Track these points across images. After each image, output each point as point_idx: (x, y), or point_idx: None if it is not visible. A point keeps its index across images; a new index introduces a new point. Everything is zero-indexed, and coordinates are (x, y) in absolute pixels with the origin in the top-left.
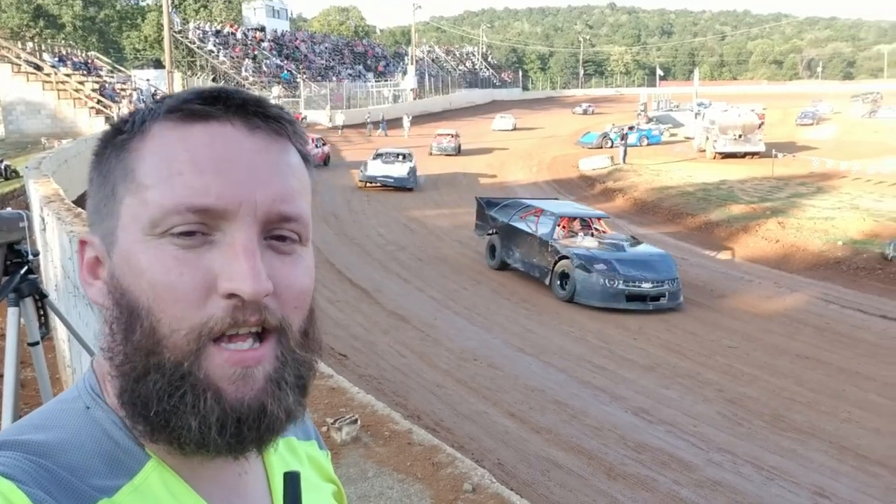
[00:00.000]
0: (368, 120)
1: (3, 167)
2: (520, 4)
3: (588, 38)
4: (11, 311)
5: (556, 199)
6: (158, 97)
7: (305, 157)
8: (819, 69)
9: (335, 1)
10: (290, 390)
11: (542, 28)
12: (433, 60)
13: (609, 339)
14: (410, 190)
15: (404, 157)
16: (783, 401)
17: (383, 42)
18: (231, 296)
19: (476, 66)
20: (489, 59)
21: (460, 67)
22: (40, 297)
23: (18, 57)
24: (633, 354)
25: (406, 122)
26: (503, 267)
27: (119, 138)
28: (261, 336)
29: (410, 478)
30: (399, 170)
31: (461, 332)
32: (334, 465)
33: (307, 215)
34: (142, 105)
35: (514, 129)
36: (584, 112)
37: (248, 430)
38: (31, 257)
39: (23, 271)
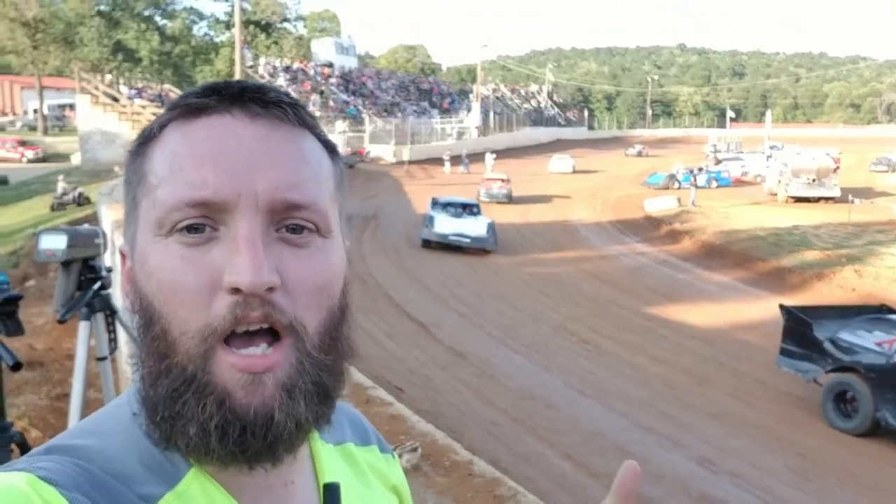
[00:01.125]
0: (448, 157)
1: (76, 194)
2: (587, 44)
3: (656, 78)
4: (83, 326)
5: None
6: None
7: (325, 143)
8: None
9: (402, 39)
10: (305, 399)
11: (610, 68)
12: (498, 98)
13: (673, 384)
14: (488, 252)
15: (472, 208)
16: (859, 458)
17: (449, 80)
18: (234, 290)
19: (541, 105)
20: (554, 97)
21: (525, 106)
22: (111, 313)
23: (97, 89)
24: (697, 401)
25: (490, 159)
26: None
27: (136, 146)
28: (275, 337)
29: None
30: (475, 226)
31: (519, 371)
32: None
33: (322, 203)
34: None
35: (574, 171)
36: (639, 154)
37: (254, 438)
38: (104, 273)
39: (96, 287)
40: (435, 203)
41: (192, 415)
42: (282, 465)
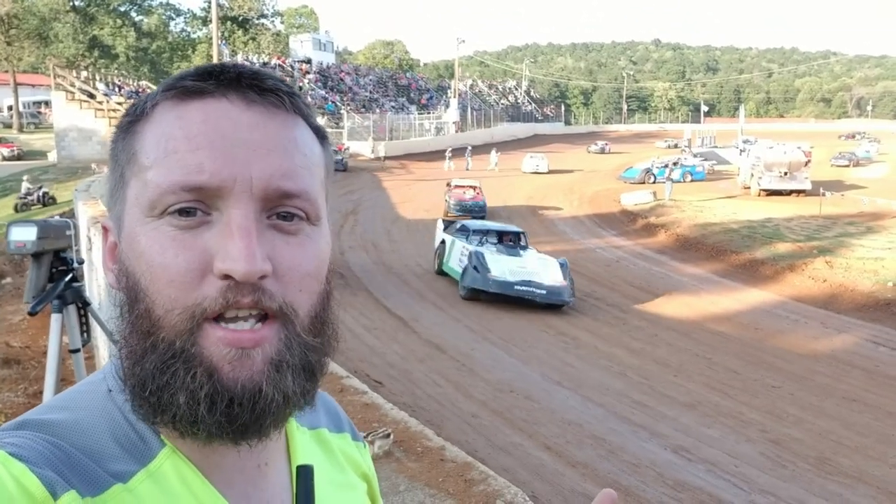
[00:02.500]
0: (450, 152)
1: (41, 193)
2: (563, 40)
3: (632, 73)
4: (55, 318)
5: None
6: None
7: (317, 131)
8: (869, 108)
9: (380, 35)
10: (293, 374)
11: (586, 63)
12: (476, 94)
13: (649, 374)
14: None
15: (518, 238)
16: (829, 444)
17: (427, 75)
18: (225, 276)
19: (518, 100)
20: (532, 93)
21: (503, 101)
22: (83, 305)
23: (73, 85)
24: (673, 391)
25: (494, 155)
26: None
27: (124, 122)
28: (264, 318)
29: (442, 493)
30: (546, 271)
31: (498, 364)
32: None
33: (313, 191)
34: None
35: (549, 171)
36: (602, 151)
37: (242, 410)
38: (75, 265)
39: (67, 278)
40: (464, 231)
41: (181, 384)
42: (258, 446)
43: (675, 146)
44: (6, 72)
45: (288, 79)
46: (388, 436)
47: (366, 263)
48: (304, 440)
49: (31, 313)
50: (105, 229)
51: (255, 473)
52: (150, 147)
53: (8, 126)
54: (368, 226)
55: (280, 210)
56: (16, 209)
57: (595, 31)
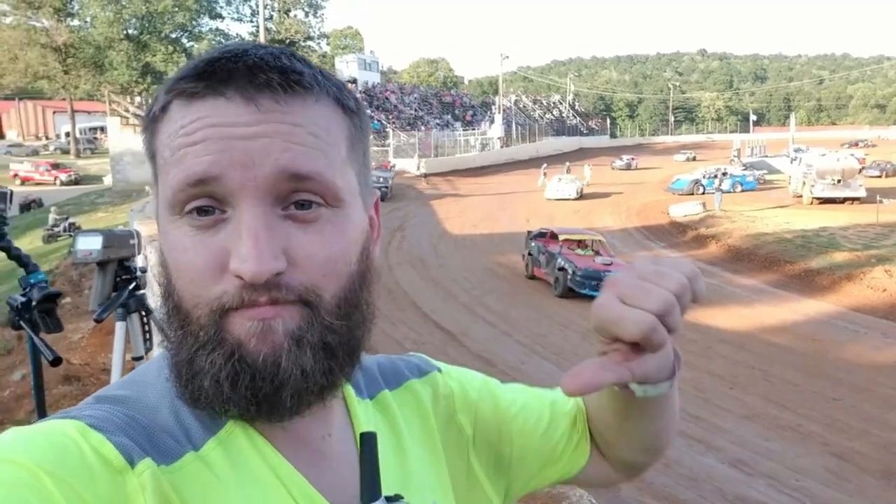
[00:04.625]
0: (546, 169)
1: (67, 224)
2: (607, 53)
3: (678, 84)
4: (119, 326)
5: None
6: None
7: (337, 100)
8: None
9: (424, 53)
10: (312, 350)
11: (631, 76)
12: (520, 109)
13: (703, 387)
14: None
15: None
16: (895, 457)
17: (471, 92)
18: (239, 277)
19: (563, 114)
20: (576, 106)
21: (547, 116)
22: (146, 313)
23: (127, 111)
24: (729, 404)
25: (588, 170)
26: None
27: (148, 119)
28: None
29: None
30: None
31: (549, 377)
32: None
33: (327, 172)
34: None
35: (580, 196)
36: (627, 167)
37: (263, 382)
38: (139, 274)
39: (131, 287)
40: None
41: (205, 370)
42: (314, 418)
43: (693, 158)
44: (64, 99)
45: None
46: None
47: (413, 279)
48: (365, 410)
49: (98, 320)
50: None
51: (320, 444)
52: (162, 147)
53: (66, 152)
54: (415, 242)
55: (295, 199)
56: (44, 240)
57: (639, 42)
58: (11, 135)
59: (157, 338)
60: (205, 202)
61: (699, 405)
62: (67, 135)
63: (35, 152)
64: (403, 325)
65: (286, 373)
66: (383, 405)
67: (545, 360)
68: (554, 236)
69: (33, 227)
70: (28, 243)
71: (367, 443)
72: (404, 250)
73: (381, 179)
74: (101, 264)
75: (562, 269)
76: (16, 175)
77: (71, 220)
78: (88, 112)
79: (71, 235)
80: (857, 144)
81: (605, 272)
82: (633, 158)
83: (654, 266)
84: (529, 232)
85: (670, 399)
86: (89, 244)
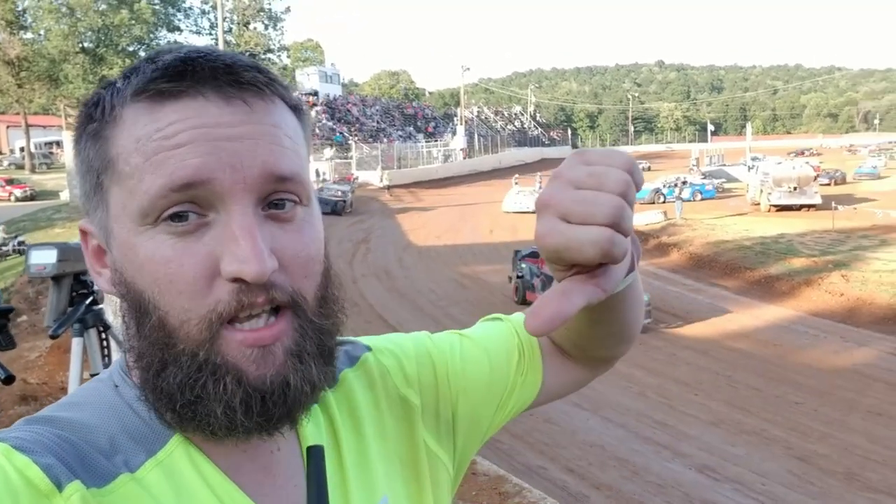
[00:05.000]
0: (517, 179)
1: (16, 243)
2: (567, 64)
3: (637, 95)
4: (76, 342)
5: None
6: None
7: (294, 108)
8: (876, 121)
9: (386, 65)
10: (313, 361)
11: (591, 87)
12: (482, 120)
13: (669, 394)
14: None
15: None
16: (856, 458)
17: (433, 104)
18: (236, 279)
19: (525, 126)
20: (538, 117)
21: (509, 127)
22: (104, 329)
23: None
24: (694, 410)
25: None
26: None
27: (91, 127)
28: (275, 310)
29: None
30: None
31: None
32: None
33: (303, 172)
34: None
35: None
36: None
37: (275, 406)
38: (96, 288)
39: (88, 301)
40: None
41: (214, 396)
42: (288, 433)
43: (648, 169)
44: (17, 113)
45: None
46: None
47: (379, 291)
48: (311, 415)
49: (53, 336)
50: (84, 232)
51: (268, 459)
52: (128, 153)
53: (20, 167)
54: (380, 253)
55: (272, 198)
56: None
57: (599, 54)
58: None
59: (115, 354)
60: (184, 207)
61: (665, 412)
62: (22, 150)
63: None
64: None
65: (297, 391)
66: (325, 405)
67: None
68: None
69: (28, 230)
70: None
71: (314, 458)
72: (369, 262)
73: (340, 193)
74: (56, 279)
75: None
76: None
77: (20, 237)
78: (44, 126)
79: (20, 253)
80: (802, 153)
81: None
82: None
83: (587, 167)
84: (517, 252)
85: (634, 286)
86: (43, 258)
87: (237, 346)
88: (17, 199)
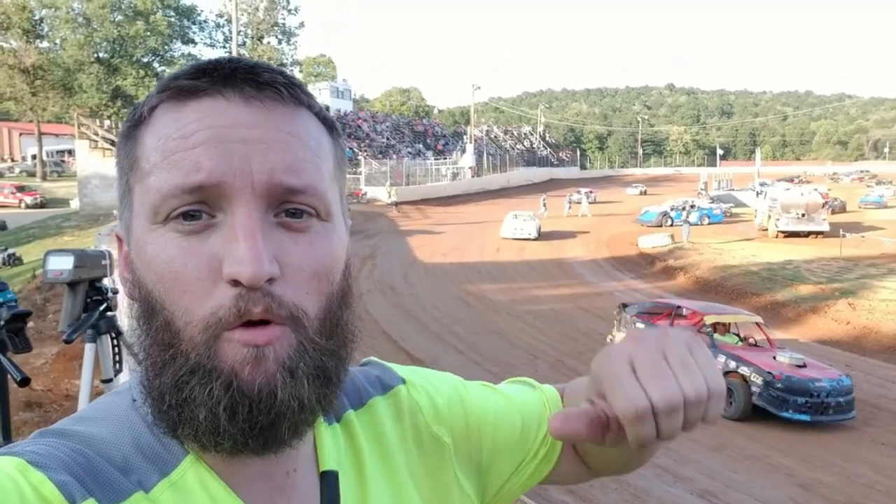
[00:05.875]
0: (545, 200)
1: (7, 255)
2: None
3: (646, 118)
4: (89, 348)
5: None
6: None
7: (325, 121)
8: (886, 150)
9: (397, 82)
10: (308, 380)
11: (601, 108)
12: (491, 139)
13: None
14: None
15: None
16: (859, 487)
17: (443, 121)
18: (235, 282)
19: (534, 145)
20: (547, 138)
21: (518, 146)
22: (117, 335)
23: (96, 134)
24: (697, 434)
25: (585, 200)
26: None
27: (125, 129)
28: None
29: None
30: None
31: None
32: None
33: (321, 185)
34: None
35: (539, 236)
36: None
37: (260, 414)
38: (110, 295)
39: (102, 308)
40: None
41: (200, 400)
42: (284, 453)
43: (644, 192)
44: (31, 121)
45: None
46: None
47: (384, 307)
48: (331, 439)
49: (67, 341)
50: (119, 239)
51: (283, 480)
52: (150, 152)
53: (32, 174)
54: (386, 269)
55: (287, 207)
56: None
57: (609, 76)
58: None
59: (127, 361)
60: (195, 207)
61: None
62: (34, 157)
63: (0, 174)
64: (373, 353)
65: (283, 405)
66: (348, 428)
67: None
68: (679, 314)
69: (38, 237)
70: None
71: (328, 484)
72: (375, 278)
73: None
74: (72, 285)
75: (736, 374)
76: None
77: (11, 250)
78: (56, 135)
79: (11, 265)
80: (791, 180)
81: (815, 383)
82: (590, 191)
83: (687, 347)
84: (625, 306)
85: (651, 450)
86: (60, 264)
87: (235, 345)
88: (28, 206)
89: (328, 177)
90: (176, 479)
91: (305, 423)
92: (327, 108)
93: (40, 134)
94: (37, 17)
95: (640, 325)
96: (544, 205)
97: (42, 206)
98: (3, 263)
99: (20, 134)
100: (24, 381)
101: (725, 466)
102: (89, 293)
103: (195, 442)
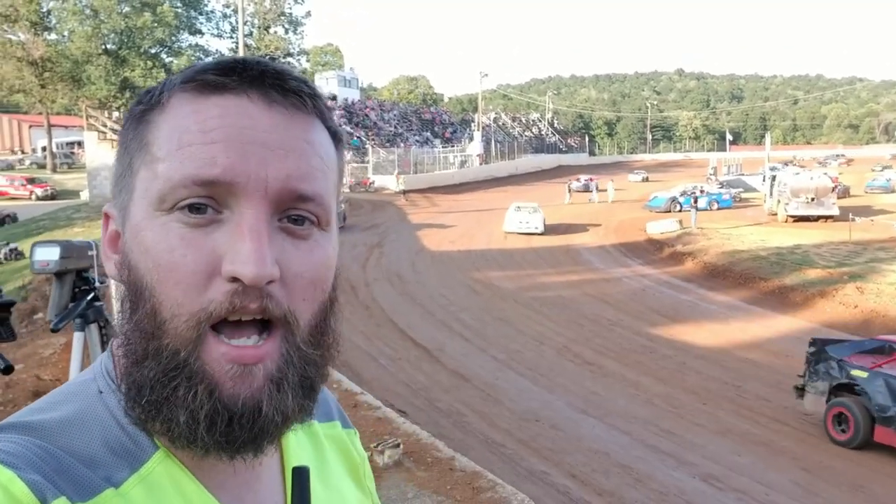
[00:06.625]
0: (572, 182)
1: (8, 250)
2: (586, 72)
3: (656, 103)
4: (77, 337)
5: None
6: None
7: (334, 135)
8: None
9: (404, 70)
10: (292, 391)
11: (609, 94)
12: (500, 126)
13: (677, 402)
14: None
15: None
16: (863, 471)
17: (450, 109)
18: (233, 279)
19: (542, 132)
20: (555, 124)
21: (526, 133)
22: (105, 324)
23: (104, 125)
24: (702, 419)
25: (611, 186)
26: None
27: (137, 109)
28: (266, 327)
29: (449, 500)
30: None
31: (523, 393)
32: (376, 488)
33: (327, 195)
34: None
35: (544, 231)
36: (585, 189)
37: (240, 429)
38: (97, 284)
39: (89, 297)
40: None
41: (182, 402)
42: (253, 459)
43: (646, 179)
44: (40, 114)
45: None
46: (398, 445)
47: (390, 295)
48: (296, 439)
49: (54, 330)
50: (107, 216)
51: (249, 475)
52: (163, 138)
53: (42, 166)
54: (393, 258)
55: (291, 213)
56: None
57: (618, 62)
58: None
59: None
60: (202, 201)
61: (672, 420)
62: (44, 149)
63: (10, 167)
64: (379, 341)
65: (266, 419)
66: (312, 435)
67: (520, 375)
68: None
69: (48, 229)
70: None
71: (299, 478)
72: (382, 266)
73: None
74: (59, 275)
75: None
76: None
77: (13, 245)
78: (66, 126)
79: (14, 260)
80: (786, 164)
81: None
82: (590, 179)
83: None
84: (818, 343)
85: None
86: (46, 255)
87: (218, 358)
88: (38, 198)
89: (332, 187)
90: (146, 474)
91: (284, 433)
92: (334, 98)
93: (50, 126)
94: (44, 10)
95: (857, 372)
96: (569, 191)
97: (52, 197)
98: (5, 258)
99: (30, 126)
100: (8, 370)
101: (730, 451)
102: (77, 283)
103: (167, 439)
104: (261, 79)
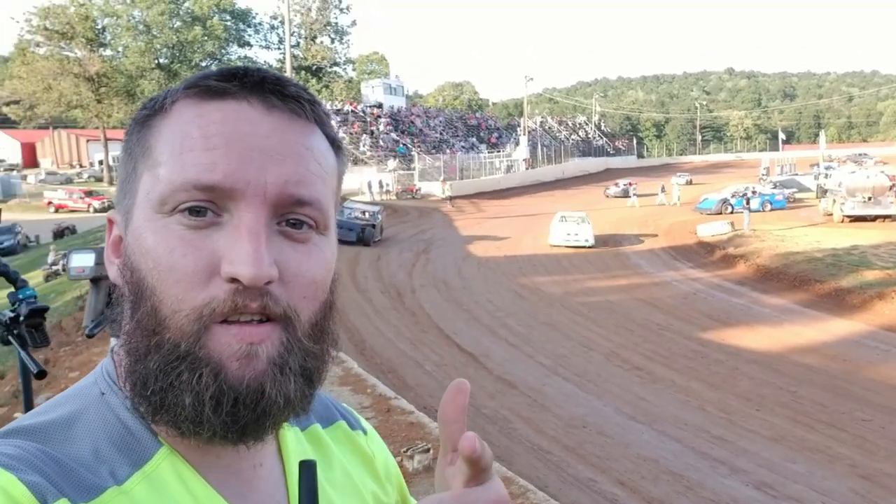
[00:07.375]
0: (664, 185)
1: (66, 261)
2: (634, 73)
3: (705, 103)
4: (113, 341)
5: None
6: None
7: (333, 141)
8: None
9: (449, 76)
10: (294, 377)
11: (657, 95)
12: (546, 130)
13: (729, 408)
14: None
15: None
16: None
17: (496, 114)
18: (233, 280)
19: (589, 135)
20: (602, 127)
21: (573, 137)
22: None
23: None
24: (755, 425)
25: (676, 186)
26: None
27: (141, 115)
28: (266, 319)
29: None
30: None
31: (570, 399)
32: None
33: (325, 200)
34: None
35: (594, 244)
36: (624, 194)
37: (245, 409)
38: None
39: None
40: None
41: (187, 385)
42: (255, 446)
43: (690, 182)
44: (97, 128)
45: (360, 124)
46: (428, 450)
47: (437, 301)
48: (295, 439)
49: (89, 336)
50: (110, 222)
51: (251, 474)
52: (165, 143)
53: (99, 179)
54: (440, 264)
55: (290, 217)
56: (45, 279)
57: (666, 62)
58: (46, 163)
59: None
60: (202, 204)
61: (724, 426)
62: (101, 163)
63: (69, 180)
64: (425, 347)
65: (270, 400)
66: (315, 438)
67: (567, 381)
68: None
69: (34, 265)
70: (31, 281)
71: (307, 471)
72: (429, 272)
73: (367, 216)
74: (95, 281)
75: None
76: (50, 203)
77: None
78: (121, 140)
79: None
80: (817, 164)
81: None
82: (629, 184)
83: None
84: None
85: None
86: (82, 261)
87: (227, 340)
88: (96, 210)
89: (331, 193)
90: (150, 470)
91: (286, 419)
92: (380, 105)
93: (106, 140)
94: (99, 27)
95: None
96: (663, 190)
97: (109, 209)
98: (64, 269)
99: (87, 140)
100: (41, 374)
101: (784, 457)
102: (112, 289)
103: (174, 427)
104: (261, 85)
